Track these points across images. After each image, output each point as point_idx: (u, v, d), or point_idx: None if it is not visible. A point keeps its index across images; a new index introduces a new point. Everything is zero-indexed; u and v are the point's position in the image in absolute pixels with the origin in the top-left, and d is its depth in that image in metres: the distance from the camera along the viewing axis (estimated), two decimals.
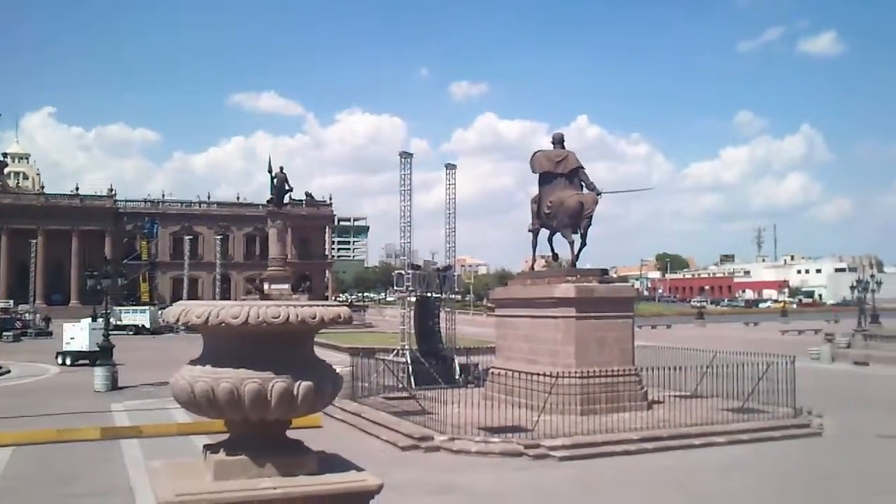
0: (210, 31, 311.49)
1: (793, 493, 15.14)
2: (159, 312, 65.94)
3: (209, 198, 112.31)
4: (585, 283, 22.50)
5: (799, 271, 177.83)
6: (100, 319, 38.85)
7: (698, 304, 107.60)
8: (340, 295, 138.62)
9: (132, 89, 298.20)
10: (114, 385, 29.16)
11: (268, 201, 52.90)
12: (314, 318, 4.20)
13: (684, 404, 21.04)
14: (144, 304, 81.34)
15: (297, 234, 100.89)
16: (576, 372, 20.58)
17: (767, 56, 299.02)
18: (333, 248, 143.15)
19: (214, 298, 72.80)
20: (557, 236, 24.65)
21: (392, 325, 49.95)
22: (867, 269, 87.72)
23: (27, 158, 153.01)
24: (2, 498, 14.56)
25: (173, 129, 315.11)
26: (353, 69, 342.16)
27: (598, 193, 23.92)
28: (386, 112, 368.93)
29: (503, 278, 79.76)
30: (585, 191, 23.99)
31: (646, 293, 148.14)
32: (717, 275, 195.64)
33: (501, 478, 16.05)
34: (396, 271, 32.59)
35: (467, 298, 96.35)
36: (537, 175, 25.05)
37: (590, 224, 23.31)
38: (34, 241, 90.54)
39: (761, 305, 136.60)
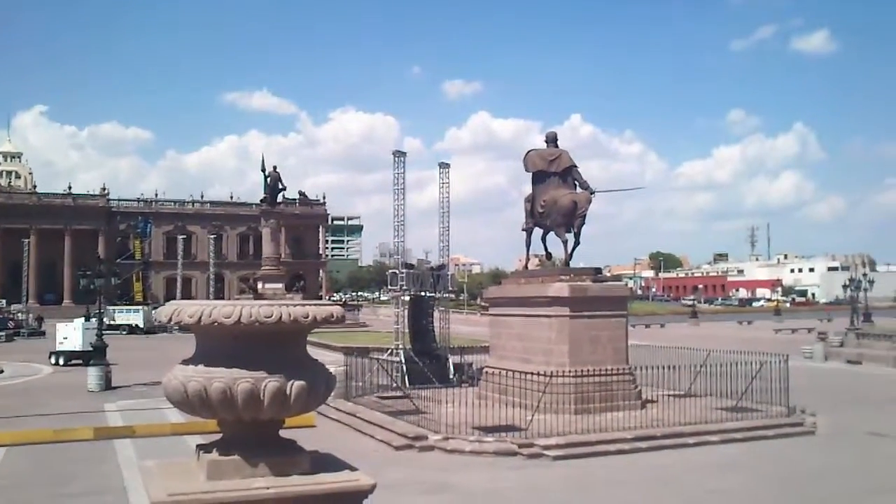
0: (203, 29, 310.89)
1: (786, 492, 15.18)
2: (153, 312, 65.90)
3: (202, 197, 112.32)
4: (579, 283, 22.53)
5: (792, 270, 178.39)
6: (93, 319, 38.78)
7: (689, 303, 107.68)
8: (334, 294, 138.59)
9: (125, 88, 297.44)
10: (107, 385, 29.08)
11: (261, 200, 52.75)
12: (307, 317, 4.19)
13: (678, 403, 21.06)
14: (138, 303, 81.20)
15: (290, 234, 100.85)
16: (569, 371, 20.60)
17: (760, 54, 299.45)
18: (327, 248, 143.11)
19: (208, 298, 72.83)
20: (551, 235, 24.67)
21: (386, 324, 49.96)
22: (860, 268, 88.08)
23: (19, 157, 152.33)
24: None
25: (166, 128, 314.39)
26: (346, 68, 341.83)
27: (592, 192, 23.95)
28: (379, 111, 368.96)
29: (497, 277, 79.77)
30: (579, 190, 24.01)
31: (639, 292, 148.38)
32: (711, 274, 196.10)
33: (495, 477, 16.05)
34: (390, 270, 32.56)
35: (461, 297, 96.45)
36: (531, 174, 25.07)
37: (583, 223, 23.35)
38: (27, 240, 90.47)
39: (755, 304, 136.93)
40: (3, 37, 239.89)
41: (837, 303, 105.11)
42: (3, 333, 57.88)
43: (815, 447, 19.22)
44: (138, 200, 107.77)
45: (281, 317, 4.10)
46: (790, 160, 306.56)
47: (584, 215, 23.23)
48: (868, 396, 27.90)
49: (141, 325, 67.61)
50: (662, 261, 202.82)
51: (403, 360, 28.24)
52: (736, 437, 19.34)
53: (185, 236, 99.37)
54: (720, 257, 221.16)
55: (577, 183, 24.24)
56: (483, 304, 63.48)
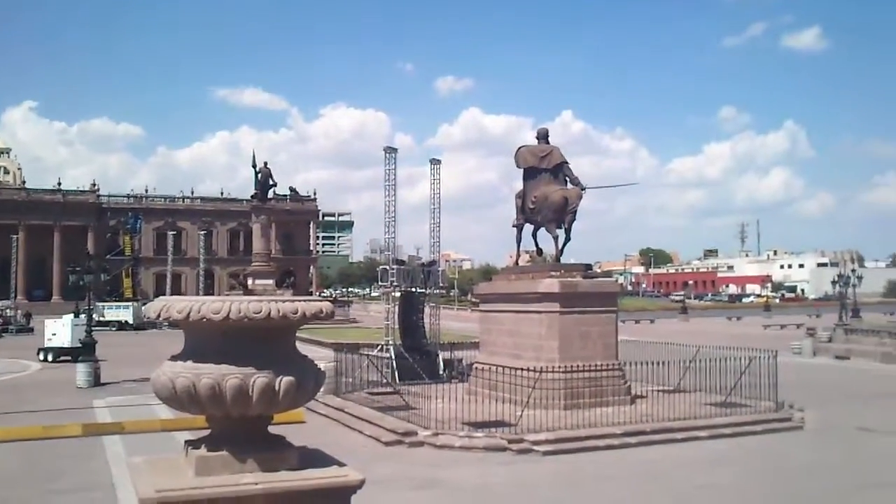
0: (195, 26, 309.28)
1: (775, 486, 15.27)
2: (142, 308, 65.69)
3: (193, 193, 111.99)
4: (569, 279, 22.59)
5: (782, 266, 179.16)
6: (82, 315, 38.60)
7: (679, 299, 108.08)
8: (325, 290, 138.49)
9: (115, 84, 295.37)
10: (96, 381, 29.00)
11: (252, 196, 52.74)
12: (296, 313, 4.18)
13: (667, 399, 21.17)
14: (127, 299, 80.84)
15: (281, 230, 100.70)
16: (559, 367, 20.64)
17: (751, 51, 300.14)
18: (318, 244, 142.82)
19: (198, 294, 72.61)
20: (542, 231, 24.71)
21: (376, 320, 49.94)
22: (848, 265, 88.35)
23: (8, 153, 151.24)
24: None
25: (157, 124, 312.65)
26: (337, 64, 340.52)
27: (583, 188, 24.00)
28: (371, 107, 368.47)
29: (487, 273, 79.84)
30: (570, 186, 24.05)
31: (629, 288, 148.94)
32: (701, 269, 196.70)
33: (485, 472, 16.09)
34: (381, 266, 32.57)
35: (451, 293, 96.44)
36: (522, 170, 25.10)
37: (574, 219, 23.40)
38: (15, 236, 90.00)
39: (744, 300, 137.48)
40: None
41: (826, 299, 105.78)
42: None
43: (803, 442, 19.34)
44: (128, 196, 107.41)
45: (270, 313, 4.09)
46: (780, 157, 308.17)
47: (575, 211, 23.28)
48: (856, 392, 28.08)
49: (130, 322, 67.37)
50: (652, 257, 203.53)
51: (393, 356, 28.27)
52: (725, 432, 19.45)
53: (175, 232, 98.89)
54: (710, 253, 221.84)
55: (567, 179, 24.28)
56: (473, 300, 63.53)
